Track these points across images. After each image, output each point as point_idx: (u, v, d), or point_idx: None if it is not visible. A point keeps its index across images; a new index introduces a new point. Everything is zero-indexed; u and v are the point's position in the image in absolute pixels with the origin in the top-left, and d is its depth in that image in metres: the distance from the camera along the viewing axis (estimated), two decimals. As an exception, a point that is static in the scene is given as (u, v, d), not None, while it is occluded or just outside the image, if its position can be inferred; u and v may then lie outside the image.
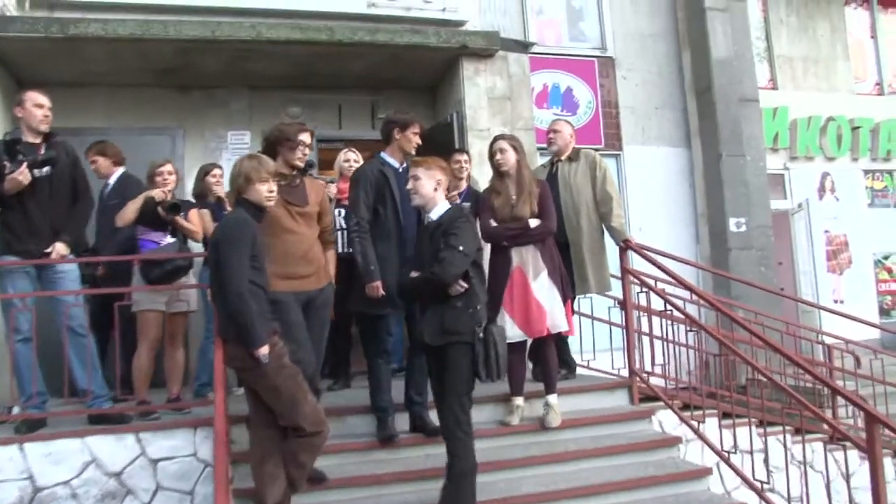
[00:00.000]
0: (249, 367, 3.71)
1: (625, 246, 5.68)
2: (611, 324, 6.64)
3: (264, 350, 3.65)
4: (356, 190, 4.74)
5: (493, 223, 4.99)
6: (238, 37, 6.72)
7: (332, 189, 5.94)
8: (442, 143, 7.33)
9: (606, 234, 5.77)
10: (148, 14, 6.83)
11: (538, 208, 4.99)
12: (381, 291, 4.49)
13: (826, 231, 10.80)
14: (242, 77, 7.51)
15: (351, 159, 6.19)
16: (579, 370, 6.26)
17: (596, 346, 6.74)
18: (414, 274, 4.03)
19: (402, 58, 7.31)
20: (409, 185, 4.13)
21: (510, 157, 5.07)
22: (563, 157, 5.91)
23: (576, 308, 6.20)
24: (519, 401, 5.00)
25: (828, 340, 7.69)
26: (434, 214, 4.10)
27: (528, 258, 4.94)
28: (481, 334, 3.92)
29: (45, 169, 4.78)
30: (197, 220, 5.46)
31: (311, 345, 4.28)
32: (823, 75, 11.17)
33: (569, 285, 5.14)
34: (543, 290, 4.89)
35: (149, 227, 5.15)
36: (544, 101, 9.26)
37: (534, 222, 4.95)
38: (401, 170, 4.82)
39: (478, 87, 7.31)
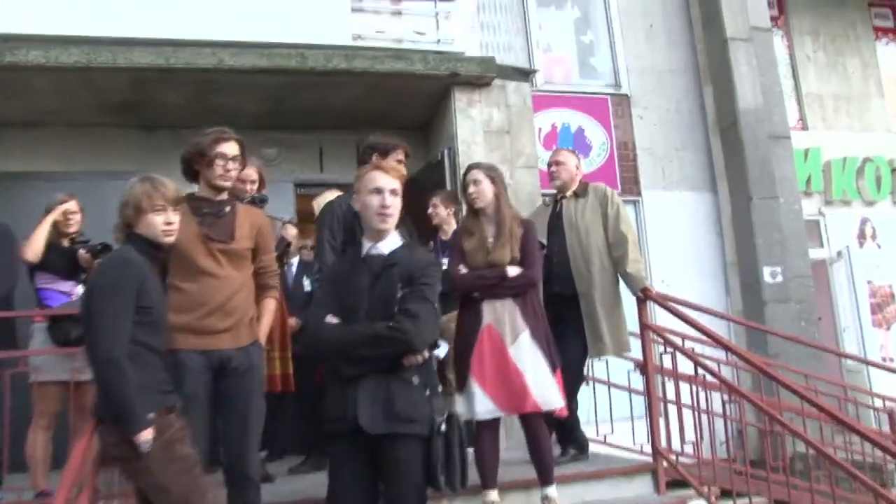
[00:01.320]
0: (128, 458, 2.74)
1: (643, 296, 4.69)
2: (630, 391, 5.63)
3: (145, 436, 2.71)
4: (321, 230, 3.93)
5: (463, 270, 4.02)
6: (197, 65, 5.93)
7: (292, 232, 5.03)
8: (434, 186, 6.45)
9: (623, 283, 4.79)
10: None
11: (520, 253, 4.01)
12: None
13: (869, 281, 9.69)
14: (211, 114, 6.63)
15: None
16: (595, 447, 5.22)
17: (614, 414, 5.73)
18: (333, 321, 2.94)
19: (385, 89, 6.47)
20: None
21: (486, 190, 4.11)
22: (568, 194, 4.98)
23: (588, 370, 5.21)
24: (493, 495, 3.87)
25: (877, 403, 6.72)
26: (384, 247, 3.06)
27: (505, 315, 3.91)
28: (443, 426, 2.86)
29: None
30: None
31: (206, 427, 3.32)
32: (857, 114, 10.22)
33: (556, 350, 4.08)
34: (524, 355, 3.85)
35: (56, 274, 4.23)
36: (553, 142, 8.38)
37: (513, 270, 3.96)
38: None
39: (472, 120, 6.43)
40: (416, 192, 6.29)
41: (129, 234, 3.03)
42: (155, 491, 2.80)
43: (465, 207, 4.20)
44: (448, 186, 6.29)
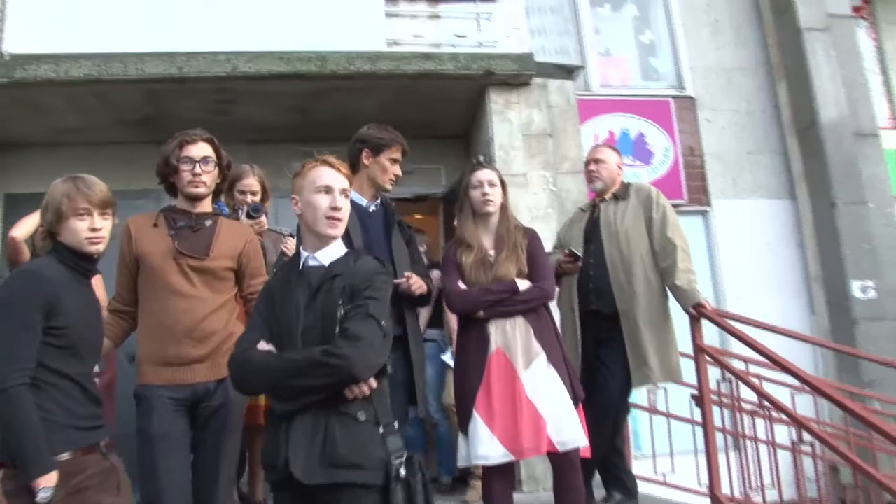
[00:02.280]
0: None
1: (696, 313, 3.98)
2: (693, 422, 4.90)
3: (46, 482, 2.25)
4: (297, 241, 3.40)
5: (462, 286, 3.43)
6: (211, 73, 5.55)
7: (290, 244, 4.52)
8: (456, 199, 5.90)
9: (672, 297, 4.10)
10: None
11: (528, 266, 3.42)
12: None
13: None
14: (233, 127, 6.31)
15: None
16: (650, 488, 4.52)
17: (676, 447, 5.00)
18: (265, 347, 2.35)
19: (415, 93, 5.95)
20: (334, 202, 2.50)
21: (498, 195, 3.54)
22: (607, 196, 4.33)
23: (640, 398, 4.51)
24: None
25: None
26: (325, 257, 2.49)
27: (517, 337, 3.29)
28: (402, 471, 2.24)
29: None
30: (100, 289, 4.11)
31: (178, 475, 2.83)
32: (956, 110, 9.17)
33: (576, 378, 3.44)
34: (540, 384, 3.21)
35: None
36: (610, 151, 7.72)
37: (523, 284, 3.36)
38: (371, 210, 3.45)
39: (510, 124, 5.83)
40: (454, 206, 5.78)
41: (53, 243, 2.59)
42: None
43: (470, 212, 3.58)
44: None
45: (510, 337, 3.28)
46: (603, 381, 4.03)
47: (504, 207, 3.56)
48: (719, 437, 4.75)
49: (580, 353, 4.13)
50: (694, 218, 7.69)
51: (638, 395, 5.39)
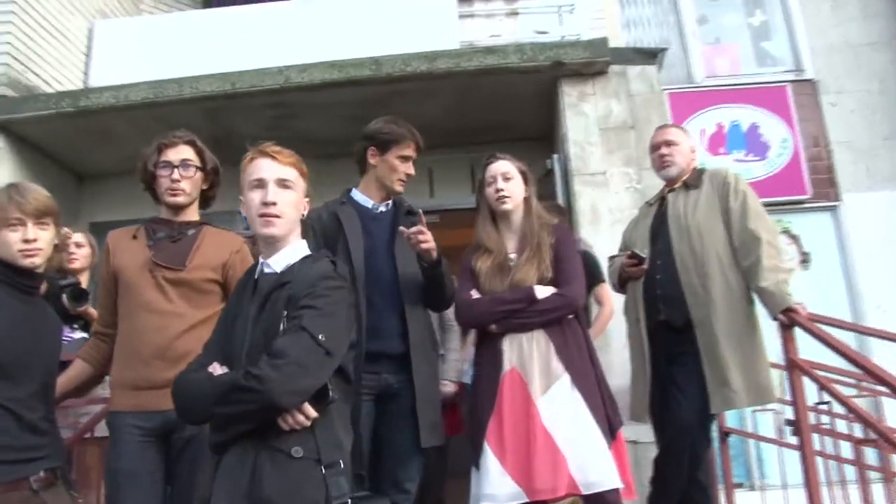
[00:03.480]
0: None
1: (787, 320, 3.26)
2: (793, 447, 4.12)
3: None
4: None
5: (475, 294, 2.91)
6: (263, 86, 5.36)
7: None
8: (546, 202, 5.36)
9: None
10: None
11: (554, 269, 2.87)
12: None
13: None
14: (295, 142, 6.02)
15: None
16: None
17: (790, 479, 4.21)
18: (216, 370, 1.95)
19: (481, 92, 5.49)
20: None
21: (517, 190, 3.02)
22: (676, 185, 3.69)
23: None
24: None
25: None
26: (277, 262, 2.10)
27: (534, 354, 2.74)
28: None
29: None
30: None
31: None
32: None
33: (613, 405, 2.84)
34: (559, 412, 2.66)
35: None
36: (721, 145, 6.97)
37: (543, 291, 2.80)
38: (377, 211, 3.06)
39: (585, 117, 5.24)
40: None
41: None
42: None
43: (487, 212, 3.07)
44: (560, 199, 5.15)
45: (526, 354, 2.74)
46: (676, 406, 3.37)
47: (528, 201, 3.03)
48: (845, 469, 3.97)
49: (649, 373, 3.50)
50: (821, 215, 6.80)
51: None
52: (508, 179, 3.00)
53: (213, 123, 5.81)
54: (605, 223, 4.87)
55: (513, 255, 2.94)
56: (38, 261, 2.34)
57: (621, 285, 3.74)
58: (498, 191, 2.99)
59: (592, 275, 4.02)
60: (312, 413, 1.85)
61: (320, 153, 6.19)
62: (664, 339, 3.46)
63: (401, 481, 2.82)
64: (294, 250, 2.12)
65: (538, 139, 6.30)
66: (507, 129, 6.08)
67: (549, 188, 5.35)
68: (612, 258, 3.92)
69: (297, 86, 5.31)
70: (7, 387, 2.19)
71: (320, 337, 1.87)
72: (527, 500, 2.59)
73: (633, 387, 3.64)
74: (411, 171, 3.10)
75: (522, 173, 3.05)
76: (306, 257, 2.11)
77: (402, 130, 3.11)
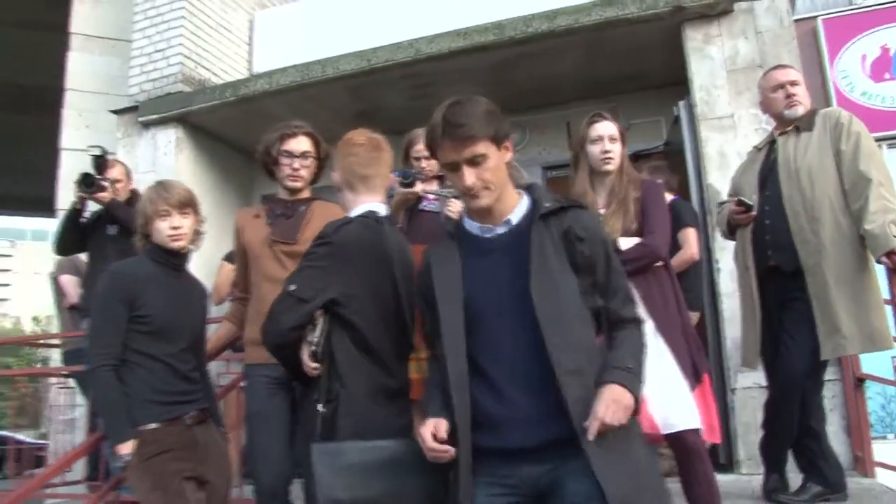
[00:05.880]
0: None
1: (890, 264, 3.19)
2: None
3: (122, 450, 2.62)
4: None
5: None
6: (396, 60, 5.72)
7: (456, 207, 4.34)
8: (677, 151, 5.37)
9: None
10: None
11: (640, 220, 2.97)
12: None
13: None
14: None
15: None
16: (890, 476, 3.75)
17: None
18: None
19: (606, 45, 5.53)
20: None
21: (620, 151, 3.12)
22: (787, 129, 3.63)
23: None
24: None
25: None
26: None
27: None
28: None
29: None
30: (224, 277, 4.41)
31: (277, 446, 2.93)
32: None
33: (699, 350, 2.91)
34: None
35: None
36: (886, 70, 6.48)
37: (626, 242, 2.92)
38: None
39: (710, 61, 5.14)
40: (673, 159, 5.30)
41: (148, 244, 2.94)
42: (138, 499, 2.72)
43: (586, 168, 3.20)
44: (687, 148, 5.13)
45: None
46: (786, 352, 3.41)
47: (623, 159, 3.15)
48: None
49: (759, 319, 3.54)
50: None
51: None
52: (614, 140, 3.11)
53: (358, 99, 6.28)
54: (734, 168, 4.81)
55: (602, 210, 3.08)
56: (183, 243, 2.90)
57: (730, 232, 3.77)
58: (604, 151, 3.10)
59: (676, 220, 4.05)
60: (311, 363, 2.28)
61: (459, 116, 6.52)
62: (775, 284, 3.48)
63: None
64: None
65: (670, 85, 6.21)
66: (637, 78, 6.08)
67: (677, 136, 5.34)
68: (720, 204, 3.94)
69: (428, 56, 5.62)
70: (164, 346, 2.77)
71: (291, 287, 2.28)
72: None
73: (743, 333, 3.69)
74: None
75: (622, 134, 3.17)
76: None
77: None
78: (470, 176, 1.91)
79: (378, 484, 2.03)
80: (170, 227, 2.84)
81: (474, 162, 1.90)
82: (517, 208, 2.00)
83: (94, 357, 2.69)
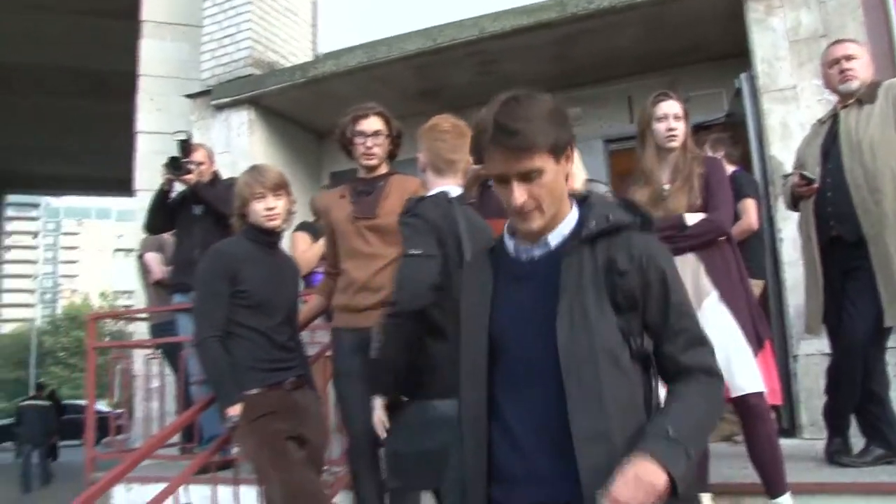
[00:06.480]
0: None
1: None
2: None
3: (232, 412, 2.92)
4: None
5: None
6: (461, 38, 5.88)
7: None
8: (740, 124, 5.43)
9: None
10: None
11: (703, 197, 3.11)
12: None
13: None
14: (502, 85, 6.52)
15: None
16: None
17: None
18: None
19: (667, 19, 5.60)
20: None
21: (684, 129, 3.24)
22: (849, 102, 3.71)
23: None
24: (705, 499, 3.02)
25: None
26: None
27: (686, 275, 2.96)
28: None
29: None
30: (300, 247, 4.64)
31: (357, 405, 3.18)
32: None
33: (762, 318, 3.06)
34: (709, 324, 2.88)
35: None
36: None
37: (692, 217, 3.07)
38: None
39: (772, 32, 5.17)
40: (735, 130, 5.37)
41: (245, 224, 3.20)
42: (245, 457, 3.07)
43: (653, 145, 3.34)
44: (749, 121, 5.19)
45: (680, 274, 3.06)
46: (848, 319, 3.53)
47: (686, 137, 3.28)
48: None
49: (822, 287, 3.65)
50: None
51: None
52: (678, 119, 3.24)
53: (424, 78, 6.47)
54: (797, 139, 4.86)
55: (666, 186, 3.23)
56: (278, 223, 3.16)
57: (794, 204, 3.86)
58: (669, 129, 3.22)
59: (737, 192, 4.15)
60: None
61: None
62: (837, 254, 3.58)
63: None
64: None
65: (730, 57, 6.23)
66: (697, 51, 6.12)
67: (739, 108, 5.39)
68: (785, 176, 4.04)
69: (492, 34, 5.77)
70: (263, 319, 3.04)
71: (412, 251, 2.48)
72: None
73: (806, 301, 3.80)
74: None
75: (685, 112, 3.30)
76: None
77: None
78: (521, 194, 1.57)
79: (432, 440, 2.27)
80: (265, 209, 3.09)
81: (528, 177, 1.57)
82: (561, 226, 1.65)
83: (201, 330, 2.98)
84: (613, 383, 1.53)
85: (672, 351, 1.60)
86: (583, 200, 1.70)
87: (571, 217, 1.66)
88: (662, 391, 1.65)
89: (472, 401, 1.66)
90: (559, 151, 1.59)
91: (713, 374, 1.61)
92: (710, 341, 1.66)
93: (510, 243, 1.70)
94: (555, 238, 1.64)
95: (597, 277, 1.57)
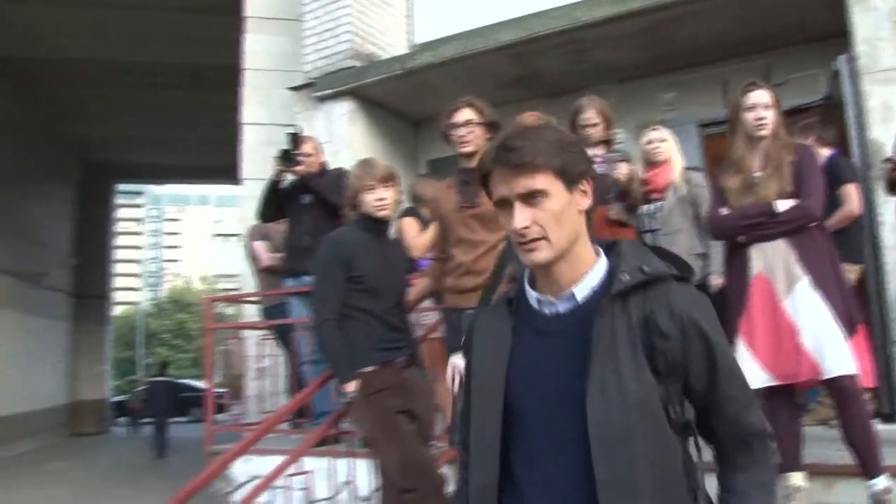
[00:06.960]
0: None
1: None
2: None
3: (348, 388, 3.21)
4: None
5: (724, 211, 3.31)
6: (555, 28, 5.99)
7: (623, 170, 4.53)
8: (836, 107, 5.38)
9: None
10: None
11: (794, 184, 3.17)
12: None
13: None
14: (595, 72, 6.63)
15: (654, 140, 4.66)
16: None
17: None
18: None
19: (761, 1, 5.57)
20: None
21: (774, 118, 3.29)
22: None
23: None
24: (797, 478, 3.10)
25: None
26: None
27: (778, 261, 3.12)
28: None
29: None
30: (411, 232, 4.82)
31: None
32: None
33: (854, 302, 3.11)
34: (802, 309, 3.03)
35: None
36: None
37: (783, 204, 3.14)
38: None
39: (875, 12, 5.07)
40: (834, 113, 5.32)
41: (357, 214, 3.46)
42: (360, 429, 3.37)
43: (742, 133, 3.40)
44: (848, 102, 5.13)
45: (771, 261, 3.15)
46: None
47: (777, 125, 3.34)
48: None
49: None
50: None
51: None
52: (767, 108, 3.30)
53: (519, 67, 6.62)
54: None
55: (757, 174, 3.30)
56: (387, 213, 3.40)
57: (891, 189, 3.86)
58: (759, 119, 3.29)
59: (837, 177, 4.15)
60: None
61: (624, 77, 6.72)
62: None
63: None
64: None
65: (827, 38, 6.13)
66: (797, 32, 6.05)
67: (837, 90, 5.33)
68: (885, 161, 4.02)
69: (585, 24, 5.86)
70: (376, 302, 3.30)
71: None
72: (773, 384, 3.07)
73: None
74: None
75: (776, 100, 3.35)
76: None
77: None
78: (522, 217, 1.40)
79: None
80: (375, 199, 3.34)
81: (530, 199, 1.40)
82: (588, 276, 1.45)
83: (319, 313, 3.26)
84: (650, 456, 1.33)
85: (721, 419, 1.43)
86: (609, 248, 1.50)
87: (599, 267, 1.46)
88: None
89: (482, 470, 1.45)
90: (570, 179, 1.42)
91: (764, 434, 1.45)
92: (757, 398, 1.53)
93: (532, 295, 1.50)
94: (581, 291, 1.44)
95: (632, 338, 1.37)
